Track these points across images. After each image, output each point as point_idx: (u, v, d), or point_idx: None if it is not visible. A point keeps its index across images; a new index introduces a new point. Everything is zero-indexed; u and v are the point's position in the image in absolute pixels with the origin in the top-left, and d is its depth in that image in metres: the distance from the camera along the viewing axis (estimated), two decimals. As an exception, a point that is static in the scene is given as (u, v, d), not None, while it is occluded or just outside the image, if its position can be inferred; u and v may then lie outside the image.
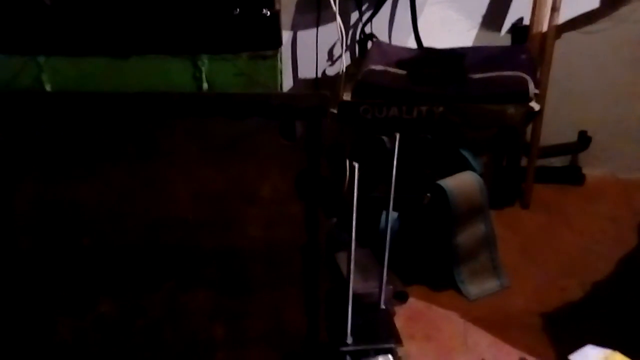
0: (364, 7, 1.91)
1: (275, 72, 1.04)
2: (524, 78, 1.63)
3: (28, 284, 1.05)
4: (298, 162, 1.00)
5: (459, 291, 1.58)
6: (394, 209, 1.29)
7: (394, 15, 1.96)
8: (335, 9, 1.69)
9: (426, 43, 1.92)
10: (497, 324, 1.47)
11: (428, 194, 1.56)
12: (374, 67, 1.72)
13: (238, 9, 0.98)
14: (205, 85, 1.03)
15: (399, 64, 1.75)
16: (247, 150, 1.00)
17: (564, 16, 1.86)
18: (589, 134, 2.06)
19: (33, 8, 0.95)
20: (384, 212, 1.39)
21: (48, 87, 1.01)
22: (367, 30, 1.93)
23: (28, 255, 1.03)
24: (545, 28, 1.82)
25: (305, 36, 1.93)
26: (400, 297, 1.48)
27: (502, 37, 1.97)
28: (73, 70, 1.00)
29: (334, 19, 1.73)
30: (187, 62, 1.01)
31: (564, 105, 2.02)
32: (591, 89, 2.03)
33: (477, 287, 1.59)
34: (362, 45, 1.93)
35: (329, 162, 1.02)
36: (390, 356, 1.23)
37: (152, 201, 1.01)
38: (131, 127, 0.98)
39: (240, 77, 1.02)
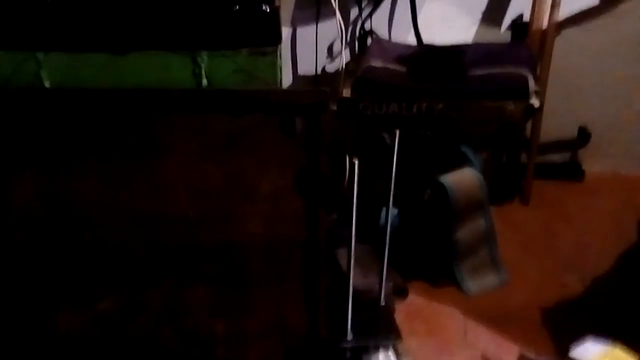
0: (363, 4, 1.91)
1: (274, 69, 1.04)
2: (523, 74, 1.63)
3: (28, 280, 1.05)
4: (298, 158, 1.00)
5: (459, 287, 1.58)
6: (394, 205, 1.29)
7: (393, 11, 1.96)
8: (335, 5, 1.69)
9: (426, 39, 1.92)
10: (497, 320, 1.47)
11: (428, 191, 1.56)
12: (373, 63, 1.72)
13: (237, 5, 0.98)
14: (204, 82, 1.02)
15: (398, 60, 1.75)
16: (247, 146, 1.00)
17: (563, 12, 1.86)
18: (589, 130, 2.07)
19: (32, 4, 0.95)
20: (384, 208, 1.39)
21: (47, 84, 1.00)
22: (367, 26, 1.92)
23: (27, 250, 1.03)
24: (545, 24, 1.82)
25: (305, 32, 1.93)
26: (401, 293, 1.48)
27: (502, 34, 1.97)
28: (72, 66, 1.00)
29: (334, 15, 1.73)
30: (187, 58, 1.01)
31: (563, 101, 2.02)
32: (591, 85, 2.03)
33: (477, 283, 1.59)
34: (361, 41, 1.93)
35: (329, 158, 1.02)
36: (390, 352, 1.23)
37: (151, 197, 1.01)
38: (131, 123, 0.98)
39: (240, 74, 1.02)
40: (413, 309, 1.51)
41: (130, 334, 1.09)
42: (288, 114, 0.98)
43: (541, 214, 1.92)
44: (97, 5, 0.97)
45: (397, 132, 1.20)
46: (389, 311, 1.34)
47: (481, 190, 1.56)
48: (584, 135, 2.07)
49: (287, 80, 1.97)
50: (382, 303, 1.34)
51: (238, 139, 0.99)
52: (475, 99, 1.62)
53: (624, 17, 1.92)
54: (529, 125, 1.92)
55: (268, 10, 0.99)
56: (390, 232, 1.29)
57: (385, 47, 1.86)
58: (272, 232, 1.03)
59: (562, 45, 1.89)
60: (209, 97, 0.99)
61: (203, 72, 1.02)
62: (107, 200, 1.01)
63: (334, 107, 1.61)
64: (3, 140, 0.97)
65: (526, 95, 1.61)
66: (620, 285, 1.59)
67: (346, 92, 1.65)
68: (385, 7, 1.93)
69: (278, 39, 1.03)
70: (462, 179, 1.56)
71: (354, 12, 1.93)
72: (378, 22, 1.93)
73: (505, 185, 1.95)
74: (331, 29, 1.84)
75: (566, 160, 2.14)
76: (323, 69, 1.99)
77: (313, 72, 1.97)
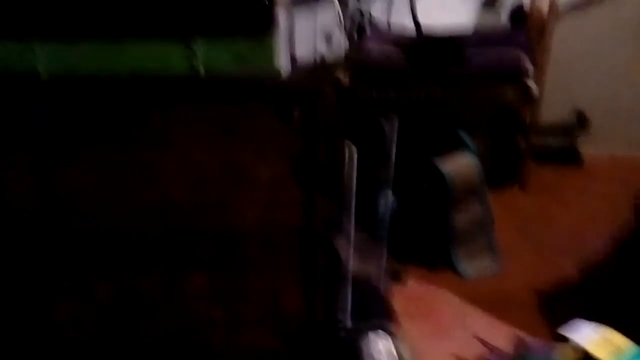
0: (361, -12, 1.89)
1: (272, 55, 1.03)
2: (522, 59, 1.63)
3: (26, 270, 1.06)
4: (295, 145, 1.00)
5: (455, 271, 1.59)
6: (391, 191, 1.29)
7: (392, -4, 1.95)
8: (333, -10, 1.68)
9: (424, 25, 1.90)
10: (494, 303, 1.49)
11: (425, 176, 1.56)
12: (372, 49, 1.71)
13: (233, -9, 0.97)
14: (200, 69, 1.02)
15: (396, 46, 1.74)
16: (244, 133, 1.00)
17: (563, -3, 1.86)
18: (587, 114, 2.07)
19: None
20: (382, 194, 1.40)
21: (43, 72, 1.00)
22: (365, 12, 1.91)
23: (24, 240, 1.03)
24: (544, 9, 1.81)
25: (302, 18, 1.91)
26: (397, 278, 1.50)
27: (501, 18, 1.96)
28: (67, 55, 0.99)
29: (332, 0, 1.72)
30: (183, 45, 1.00)
31: (561, 86, 2.01)
32: (589, 70, 2.03)
33: (474, 267, 1.61)
34: (360, 27, 1.92)
35: (326, 145, 1.02)
36: (387, 335, 1.24)
37: (149, 185, 1.01)
38: (127, 112, 0.98)
39: (237, 60, 1.02)
40: (410, 293, 1.53)
41: (128, 321, 1.10)
42: (285, 100, 0.98)
43: (538, 198, 1.92)
44: (92, -7, 0.96)
45: (395, 118, 1.20)
46: (385, 295, 1.36)
47: (478, 176, 1.56)
48: (581, 119, 2.07)
49: (283, 66, 1.95)
50: (379, 287, 1.35)
51: (234, 126, 0.99)
52: (473, 83, 1.61)
53: (622, 2, 1.91)
54: (527, 110, 1.92)
55: (264, -5, 0.98)
56: (388, 218, 1.30)
57: (383, 32, 1.85)
58: (269, 219, 1.04)
59: (561, 31, 1.88)
60: (206, 85, 0.98)
61: (199, 59, 1.01)
62: (104, 189, 1.01)
63: (332, 94, 1.61)
64: None
65: (524, 80, 1.61)
66: (616, 269, 1.60)
67: (344, 78, 1.64)
68: (383, -8, 1.92)
69: (275, 25, 1.03)
70: (460, 164, 1.56)
71: (352, -4, 1.92)
72: (376, 8, 1.92)
73: (503, 169, 1.95)
74: (329, 14, 1.82)
75: (564, 145, 2.14)
76: (321, 55, 1.98)
77: (310, 58, 1.95)
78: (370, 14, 1.90)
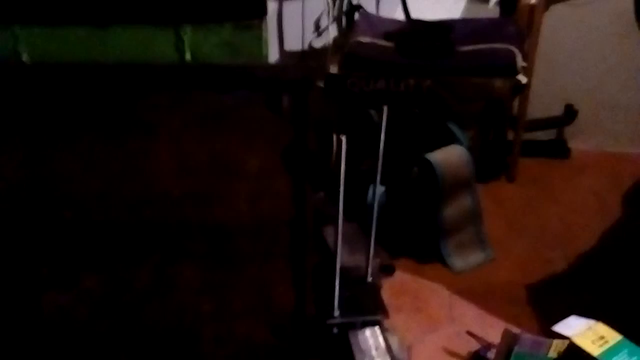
0: (351, -23, 1.87)
1: (260, 43, 1.02)
2: (511, 51, 1.62)
3: (11, 260, 1.03)
4: (284, 135, 0.99)
5: (445, 264, 1.59)
6: (381, 183, 1.28)
7: (381, -15, 1.93)
8: (322, -22, 1.66)
9: (414, 15, 1.89)
10: (483, 296, 1.49)
11: (415, 168, 1.55)
12: (361, 39, 1.69)
13: (222, -23, 0.95)
14: (188, 56, 1.00)
15: (386, 36, 1.73)
16: (233, 123, 0.98)
17: (552, -12, 1.85)
18: (575, 107, 2.07)
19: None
20: (371, 186, 1.39)
21: (25, 58, 0.97)
22: (354, 1, 1.89)
23: (10, 229, 1.01)
24: (533, 0, 1.80)
25: (291, 6, 1.89)
26: (387, 270, 1.49)
27: (491, 9, 1.95)
28: (51, 40, 0.97)
29: (321, -11, 1.70)
30: (170, 32, 0.98)
31: (550, 78, 2.02)
32: (578, 63, 2.03)
33: (463, 260, 1.60)
34: (349, 16, 1.90)
35: (316, 135, 1.01)
36: (377, 328, 1.24)
37: (136, 175, 0.99)
38: (113, 100, 0.95)
39: (225, 48, 1.00)
40: (399, 285, 1.52)
41: (117, 312, 1.08)
42: (274, 89, 0.96)
43: (527, 192, 1.93)
44: (76, -25, 0.94)
45: (385, 109, 1.19)
46: (375, 288, 1.35)
47: (468, 168, 1.56)
48: (570, 113, 2.07)
49: (273, 55, 1.94)
50: (369, 280, 1.35)
51: (223, 116, 0.97)
52: (463, 75, 1.61)
53: (612, -5, 1.91)
54: (515, 103, 1.91)
55: (253, -18, 0.96)
56: (378, 210, 1.29)
57: (373, 22, 1.84)
58: (258, 210, 1.03)
59: (551, 22, 1.88)
60: (193, 73, 0.96)
61: (186, 46, 0.99)
62: (90, 179, 0.99)
63: (321, 83, 1.60)
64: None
65: (514, 72, 1.61)
66: (604, 261, 1.61)
67: (333, 68, 1.63)
68: (373, -19, 1.90)
69: (263, 12, 1.01)
70: (450, 156, 1.55)
71: (341, -15, 1.90)
72: (366, -2, 1.91)
73: (492, 162, 1.95)
74: (318, 2, 1.81)
75: (552, 138, 2.15)
76: (310, 45, 1.96)
77: (299, 47, 1.94)
78: (359, 3, 1.89)
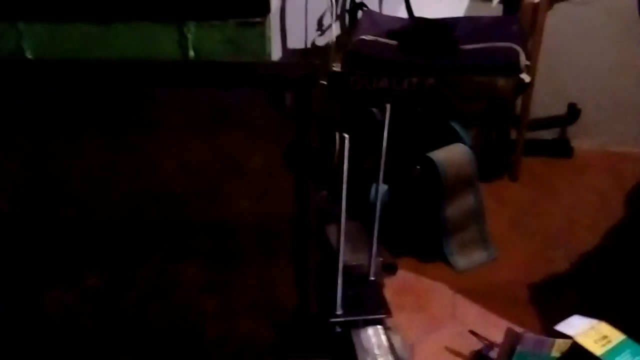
0: (354, -25, 1.87)
1: (263, 40, 1.01)
2: (515, 49, 1.62)
3: (14, 258, 1.03)
4: (287, 133, 0.98)
5: (447, 263, 1.59)
6: (383, 181, 1.28)
7: (384, -16, 1.93)
8: (325, -24, 1.66)
9: (417, 13, 1.89)
10: (485, 295, 1.48)
11: (418, 167, 1.55)
12: (364, 37, 1.69)
13: (225, -25, 0.95)
14: (191, 53, 1.00)
15: (389, 34, 1.73)
16: (235, 121, 0.98)
17: (556, -14, 1.85)
18: (578, 106, 2.06)
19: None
20: (374, 184, 1.39)
21: (29, 54, 0.97)
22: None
23: (12, 227, 1.01)
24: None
25: (294, 4, 1.89)
26: (390, 269, 1.48)
27: (494, 7, 1.95)
28: (55, 37, 0.96)
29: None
30: (173, 29, 0.98)
31: (553, 77, 2.01)
32: (581, 62, 2.02)
33: (466, 259, 1.60)
34: (352, 14, 1.90)
35: (318, 133, 1.01)
36: (379, 327, 1.23)
37: (139, 172, 0.99)
38: (116, 97, 0.95)
39: (228, 45, 1.00)
40: (402, 284, 1.52)
41: (119, 310, 1.08)
42: (277, 87, 0.96)
43: (530, 191, 1.92)
44: (79, -28, 0.93)
45: (388, 107, 1.18)
46: (378, 286, 1.35)
47: (471, 167, 1.55)
48: (573, 112, 2.07)
49: (276, 53, 1.94)
50: (372, 278, 1.34)
51: (226, 114, 0.97)
52: (466, 74, 1.60)
53: (615, -6, 1.91)
54: (518, 102, 1.91)
55: (256, -21, 0.96)
56: (380, 208, 1.29)
57: (376, 20, 1.83)
58: (261, 208, 1.02)
59: (554, 20, 1.87)
60: (196, 70, 0.96)
61: (190, 44, 0.99)
62: (93, 176, 0.99)
63: (324, 81, 1.59)
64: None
65: (517, 70, 1.60)
66: (607, 261, 1.60)
67: (336, 66, 1.62)
68: (376, -20, 1.90)
69: (267, 9, 1.01)
70: (452, 155, 1.55)
71: (344, -16, 1.90)
72: (369, -4, 1.90)
73: (495, 161, 1.95)
74: (321, 0, 1.80)
75: (555, 137, 2.14)
76: (313, 42, 1.96)
77: (303, 45, 1.94)
78: (363, 1, 1.88)
